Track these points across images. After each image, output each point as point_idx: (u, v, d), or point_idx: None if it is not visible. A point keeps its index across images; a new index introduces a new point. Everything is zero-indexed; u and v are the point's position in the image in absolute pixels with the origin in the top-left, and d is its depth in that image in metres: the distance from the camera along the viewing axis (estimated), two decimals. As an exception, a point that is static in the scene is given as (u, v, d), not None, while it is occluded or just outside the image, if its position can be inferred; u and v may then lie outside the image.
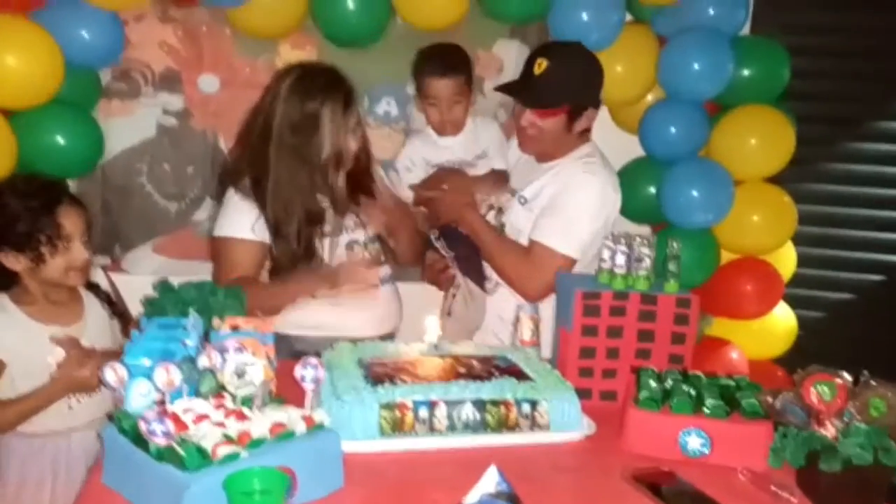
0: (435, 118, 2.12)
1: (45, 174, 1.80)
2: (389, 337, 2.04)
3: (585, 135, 2.04)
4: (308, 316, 1.91)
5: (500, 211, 2.09)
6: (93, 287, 1.81)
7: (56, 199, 1.68)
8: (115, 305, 1.82)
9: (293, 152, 1.87)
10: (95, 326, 1.75)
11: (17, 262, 1.67)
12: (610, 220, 1.96)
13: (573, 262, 1.92)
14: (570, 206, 1.90)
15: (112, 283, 1.90)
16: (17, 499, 1.70)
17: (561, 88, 1.91)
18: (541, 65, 1.92)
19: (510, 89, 2.03)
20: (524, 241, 1.98)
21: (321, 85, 1.88)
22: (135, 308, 1.81)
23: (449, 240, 2.08)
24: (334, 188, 1.93)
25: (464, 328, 2.02)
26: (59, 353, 1.66)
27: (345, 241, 1.97)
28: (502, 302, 2.01)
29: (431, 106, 2.10)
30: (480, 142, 2.18)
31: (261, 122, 1.89)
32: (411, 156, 2.19)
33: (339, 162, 1.90)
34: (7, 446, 1.72)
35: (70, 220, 1.68)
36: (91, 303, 1.79)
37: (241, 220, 1.89)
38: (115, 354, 1.70)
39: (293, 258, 1.89)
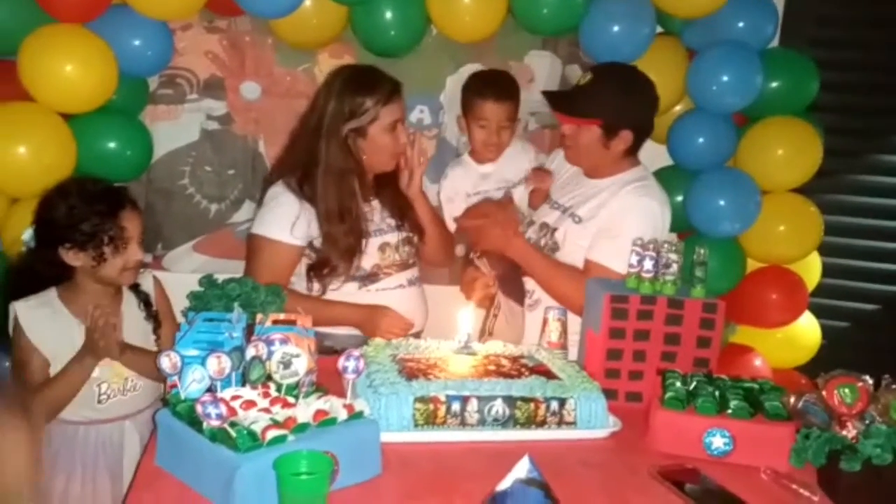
0: (480, 139, 2.21)
1: (104, 179, 1.88)
2: (415, 337, 2.09)
3: (634, 157, 2.05)
4: None
5: (552, 230, 2.08)
6: (133, 285, 1.89)
7: (120, 204, 1.76)
8: (150, 307, 1.89)
9: (343, 145, 1.96)
10: (130, 325, 1.82)
11: (76, 259, 1.75)
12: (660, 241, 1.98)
13: None
14: (628, 228, 1.87)
15: (160, 288, 1.96)
16: (49, 485, 1.77)
17: (594, 102, 1.95)
18: (584, 77, 1.99)
19: (550, 96, 2.10)
20: (578, 259, 1.99)
21: (370, 78, 2.00)
22: (177, 303, 1.90)
23: (490, 258, 2.09)
24: (370, 187, 2.02)
25: None
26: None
27: (378, 242, 2.04)
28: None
29: (481, 128, 2.19)
30: (518, 165, 2.26)
31: (314, 120, 1.99)
32: (452, 186, 2.27)
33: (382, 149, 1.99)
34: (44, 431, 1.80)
35: (131, 224, 1.77)
36: (130, 302, 1.87)
37: (282, 220, 1.96)
38: (145, 352, 1.80)
39: (341, 253, 1.97)
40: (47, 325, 1.76)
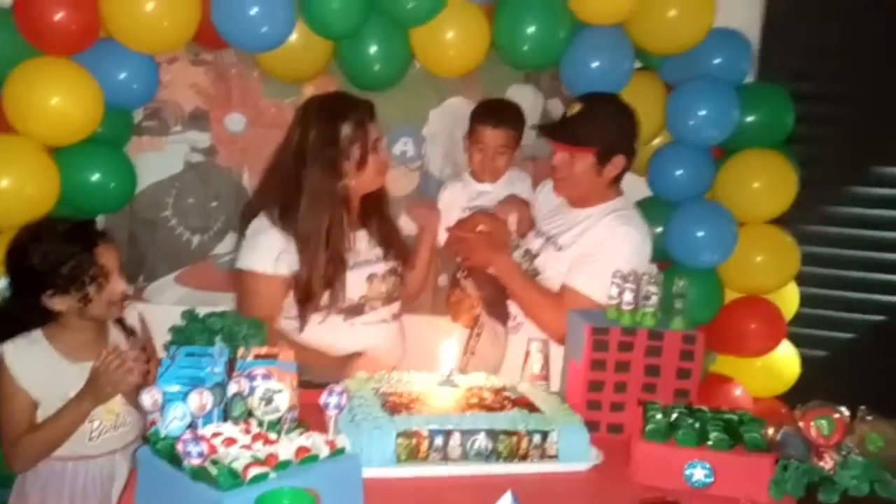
0: (477, 161, 2.32)
1: (71, 216, 1.86)
2: (392, 370, 2.09)
3: (617, 186, 2.10)
4: (325, 347, 1.99)
5: (533, 256, 2.13)
6: (118, 320, 1.87)
7: (93, 240, 1.74)
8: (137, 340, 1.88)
9: (328, 168, 1.97)
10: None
11: (62, 304, 1.72)
12: (639, 270, 2.01)
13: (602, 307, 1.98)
14: (607, 255, 1.91)
15: (143, 322, 1.95)
16: None
17: (590, 129, 2.00)
18: (573, 107, 2.04)
19: (543, 128, 2.17)
20: (556, 284, 2.02)
21: (345, 104, 2.03)
22: (159, 336, 1.89)
23: (476, 279, 2.14)
24: (353, 207, 2.04)
25: (487, 367, 2.04)
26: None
27: (365, 273, 2.05)
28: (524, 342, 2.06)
29: (479, 151, 2.30)
30: (514, 191, 2.34)
31: (292, 149, 1.99)
32: (450, 198, 2.36)
33: (367, 168, 2.01)
34: (32, 469, 1.78)
35: (108, 258, 1.75)
36: (116, 337, 1.85)
37: (265, 252, 1.96)
38: (137, 387, 1.79)
39: (321, 282, 1.96)
40: (36, 365, 1.74)
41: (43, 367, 1.73)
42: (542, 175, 2.33)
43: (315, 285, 1.97)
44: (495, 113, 2.31)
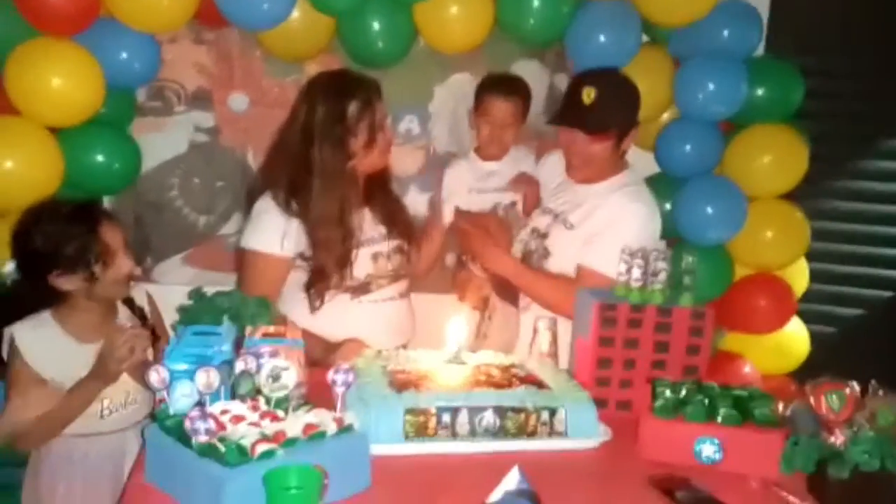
0: (485, 134, 2.26)
1: (74, 198, 1.87)
2: (402, 348, 2.09)
3: (623, 160, 2.10)
4: (324, 328, 1.97)
5: (542, 235, 2.11)
6: (128, 300, 1.88)
7: (96, 219, 1.75)
8: (146, 321, 1.88)
9: (337, 146, 1.95)
10: None
11: (69, 283, 1.73)
12: (649, 246, 1.99)
13: None
14: (618, 232, 1.90)
15: (152, 303, 1.96)
16: (51, 494, 1.78)
17: (613, 113, 1.98)
18: (590, 94, 1.98)
19: (564, 120, 2.06)
20: (568, 264, 2.01)
21: (351, 81, 2.00)
22: (167, 316, 1.89)
23: None
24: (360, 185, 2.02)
25: (500, 349, 2.04)
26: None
27: (370, 252, 2.04)
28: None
29: (487, 123, 2.25)
30: (521, 169, 2.29)
31: (298, 129, 1.97)
32: (456, 178, 2.29)
33: (375, 147, 1.99)
34: (44, 446, 1.79)
35: (112, 236, 1.76)
36: (125, 317, 1.86)
37: (271, 233, 1.95)
38: (143, 365, 1.79)
39: (336, 260, 1.95)
40: (46, 346, 1.75)
41: (53, 348, 1.74)
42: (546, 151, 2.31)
43: (329, 266, 1.96)
44: (504, 84, 2.28)
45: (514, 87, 2.27)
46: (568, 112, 2.05)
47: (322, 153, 1.94)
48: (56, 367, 1.74)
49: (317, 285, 1.98)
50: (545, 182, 2.24)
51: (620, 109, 2.01)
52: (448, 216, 2.25)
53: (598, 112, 1.97)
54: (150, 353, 1.85)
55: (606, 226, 1.96)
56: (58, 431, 1.75)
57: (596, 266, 1.93)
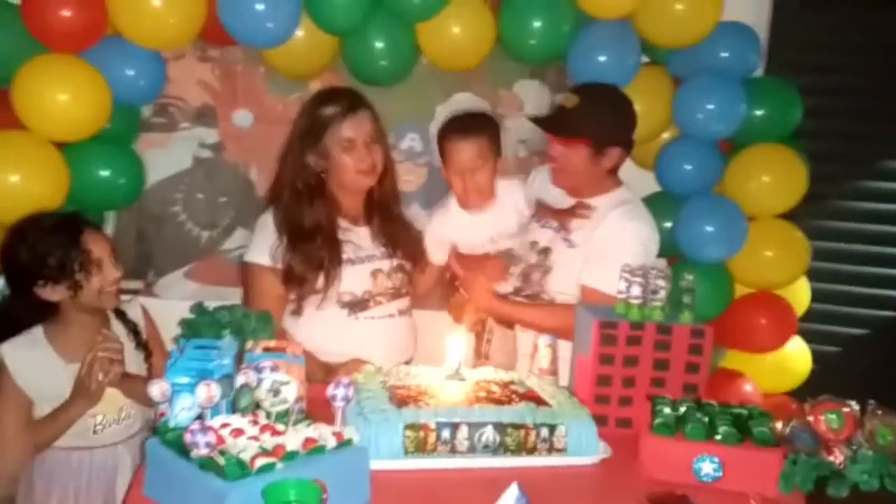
0: (458, 185, 2.07)
1: (59, 210, 1.91)
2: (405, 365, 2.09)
3: (616, 177, 2.10)
4: (326, 342, 1.98)
5: (542, 250, 2.10)
6: (120, 314, 1.90)
7: (79, 229, 1.78)
8: (139, 336, 1.90)
9: (300, 160, 1.99)
10: None
11: (55, 293, 1.75)
12: (648, 264, 1.96)
13: None
14: (621, 252, 1.88)
15: (147, 317, 1.97)
16: None
17: (584, 121, 1.99)
18: (570, 99, 2.02)
19: (538, 120, 2.13)
20: (568, 282, 2.01)
21: (330, 96, 2.02)
22: (168, 330, 1.90)
23: None
24: (342, 204, 2.03)
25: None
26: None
27: (369, 269, 2.05)
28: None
29: (455, 173, 2.06)
30: (510, 209, 2.14)
31: (288, 141, 2.03)
32: (440, 231, 2.14)
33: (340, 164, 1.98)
34: (38, 459, 1.80)
35: (96, 245, 1.78)
36: (118, 332, 1.87)
37: (262, 245, 2.00)
38: (138, 379, 1.80)
39: (313, 266, 1.97)
40: (34, 365, 1.76)
41: (41, 368, 1.76)
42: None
43: (307, 270, 1.97)
44: (461, 124, 2.08)
45: (471, 126, 2.06)
46: (547, 115, 2.10)
47: (290, 166, 2.00)
48: (43, 385, 1.75)
49: (294, 289, 1.99)
50: (539, 194, 2.21)
51: (597, 119, 1.99)
52: (437, 262, 2.17)
53: (574, 118, 1.99)
54: (144, 368, 1.87)
55: (606, 245, 1.96)
56: (36, 452, 1.75)
57: (597, 285, 1.94)
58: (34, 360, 1.76)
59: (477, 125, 2.08)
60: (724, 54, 2.47)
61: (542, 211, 2.16)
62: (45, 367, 1.76)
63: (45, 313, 1.79)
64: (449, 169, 2.09)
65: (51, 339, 1.79)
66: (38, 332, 1.79)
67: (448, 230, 2.14)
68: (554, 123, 2.06)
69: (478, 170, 2.06)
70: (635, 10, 2.40)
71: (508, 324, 2.11)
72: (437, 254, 2.17)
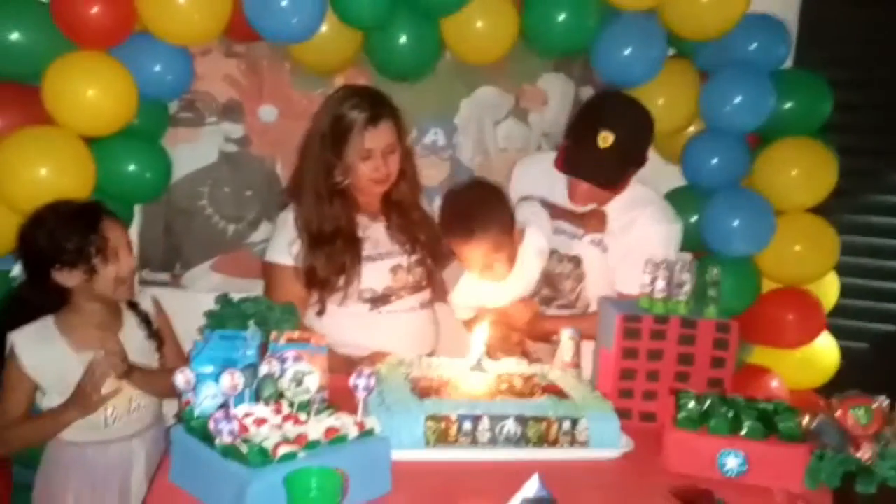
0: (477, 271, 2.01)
1: (79, 199, 1.93)
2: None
3: None
4: (349, 336, 1.99)
5: (576, 260, 2.08)
6: (132, 305, 1.92)
7: (97, 216, 1.80)
8: (150, 326, 1.91)
9: (319, 161, 1.97)
10: (132, 345, 1.83)
11: (71, 278, 1.77)
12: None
13: None
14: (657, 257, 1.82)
15: (160, 308, 1.99)
16: (59, 503, 1.81)
17: (630, 158, 1.95)
18: (606, 139, 1.88)
19: (582, 174, 1.95)
20: (603, 284, 2.00)
21: (353, 98, 1.98)
22: (194, 322, 1.92)
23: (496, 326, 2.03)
24: (360, 204, 2.02)
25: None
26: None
27: (389, 265, 2.05)
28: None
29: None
30: (530, 268, 2.07)
31: (306, 140, 2.03)
32: (461, 302, 2.13)
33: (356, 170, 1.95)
34: (51, 454, 1.84)
35: (114, 234, 1.81)
36: (130, 323, 1.89)
37: (281, 242, 2.01)
38: (152, 372, 1.82)
39: (335, 269, 1.97)
40: (44, 354, 1.78)
41: (50, 356, 1.78)
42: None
43: (321, 274, 1.97)
44: (467, 228, 1.95)
45: (477, 226, 1.93)
46: (583, 161, 1.92)
47: (307, 165, 1.99)
48: (52, 374, 1.77)
49: (316, 290, 2.00)
50: (540, 192, 2.13)
51: (637, 152, 1.96)
52: (463, 319, 2.14)
53: (616, 159, 1.90)
54: (155, 358, 1.89)
55: (641, 249, 1.88)
56: (26, 447, 1.79)
57: (633, 292, 1.87)
58: (44, 348, 1.78)
59: (484, 226, 1.94)
60: (752, 46, 2.44)
61: (554, 213, 2.11)
62: (55, 356, 1.78)
63: (59, 302, 1.81)
64: (462, 263, 2.04)
65: (62, 328, 1.81)
66: (49, 321, 1.81)
67: (473, 299, 2.11)
68: (602, 173, 1.93)
69: (495, 262, 2.00)
70: (661, 2, 2.37)
71: (545, 339, 2.08)
72: (462, 313, 2.16)
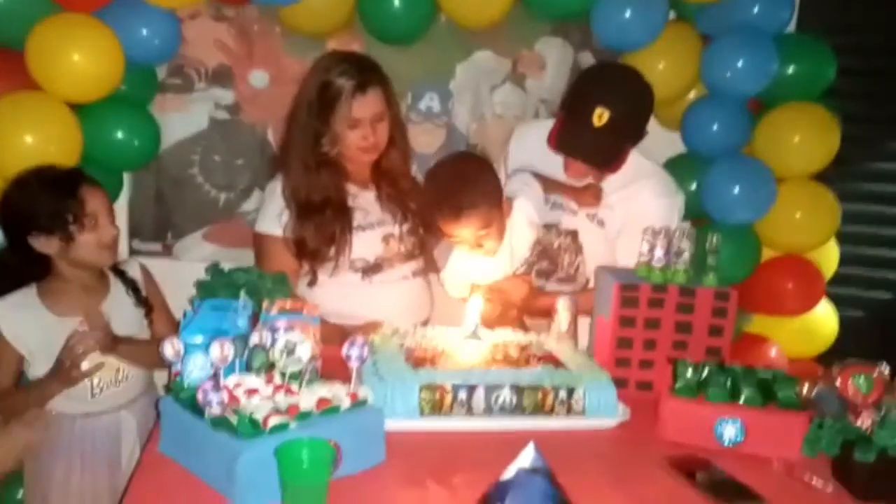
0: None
1: (61, 166, 1.88)
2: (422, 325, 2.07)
3: None
4: (342, 306, 1.96)
5: (570, 233, 2.04)
6: (119, 273, 1.89)
7: (76, 182, 1.77)
8: (138, 293, 1.89)
9: (307, 129, 1.92)
10: (121, 314, 1.81)
11: (48, 245, 1.74)
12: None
13: None
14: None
15: (148, 275, 1.96)
16: (49, 476, 1.80)
17: (626, 135, 1.87)
18: (601, 116, 1.80)
19: (575, 153, 1.89)
20: (603, 257, 1.95)
21: (341, 64, 1.91)
22: (187, 292, 1.89)
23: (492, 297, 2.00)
24: (350, 173, 1.98)
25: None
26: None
27: (380, 234, 2.02)
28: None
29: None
30: (521, 238, 2.07)
31: (293, 108, 1.97)
32: (453, 278, 2.11)
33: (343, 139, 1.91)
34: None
35: (93, 200, 1.77)
36: (118, 290, 1.87)
37: (270, 213, 1.97)
38: (138, 342, 1.80)
39: (325, 239, 1.93)
40: (26, 323, 1.76)
41: (32, 324, 1.76)
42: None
43: (311, 245, 1.94)
44: (457, 209, 1.90)
45: (467, 206, 1.90)
46: (576, 140, 1.85)
47: (293, 133, 1.94)
48: (35, 342, 1.75)
49: (307, 260, 1.97)
50: (533, 164, 2.08)
51: (635, 128, 1.88)
52: (456, 297, 2.11)
53: (611, 138, 1.82)
54: (144, 325, 1.87)
55: (639, 223, 1.81)
56: (8, 417, 1.76)
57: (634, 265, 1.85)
58: (24, 316, 1.76)
59: (472, 202, 1.91)
60: (755, 10, 2.38)
61: (548, 186, 2.06)
62: (37, 324, 1.75)
63: (41, 271, 1.79)
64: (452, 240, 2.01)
65: (43, 296, 1.78)
66: (30, 290, 1.78)
67: (465, 276, 2.08)
68: (597, 154, 1.87)
69: (485, 238, 1.97)
70: (662, -36, 2.31)
71: (543, 315, 2.02)
72: (455, 290, 2.13)
